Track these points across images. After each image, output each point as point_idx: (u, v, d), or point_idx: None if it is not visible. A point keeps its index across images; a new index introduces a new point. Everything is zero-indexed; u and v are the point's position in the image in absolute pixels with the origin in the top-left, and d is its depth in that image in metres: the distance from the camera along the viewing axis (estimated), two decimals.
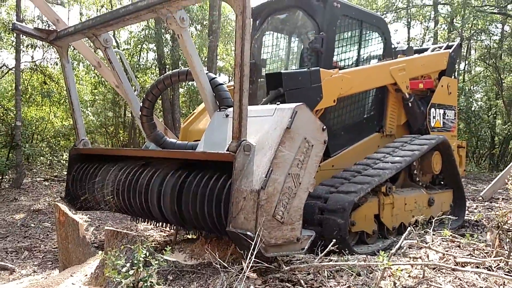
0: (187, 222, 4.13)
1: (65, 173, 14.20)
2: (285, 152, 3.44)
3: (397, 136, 6.88)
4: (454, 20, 20.18)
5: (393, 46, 7.34)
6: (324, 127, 3.73)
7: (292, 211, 3.49)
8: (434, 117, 7.18)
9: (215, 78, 4.77)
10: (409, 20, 22.95)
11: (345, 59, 6.44)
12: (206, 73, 4.70)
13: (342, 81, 5.65)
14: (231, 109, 4.04)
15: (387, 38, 6.93)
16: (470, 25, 19.00)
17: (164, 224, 4.64)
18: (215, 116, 4.50)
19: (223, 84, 4.78)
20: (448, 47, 7.99)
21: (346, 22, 6.34)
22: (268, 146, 3.45)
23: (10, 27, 14.80)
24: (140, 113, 5.31)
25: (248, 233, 3.24)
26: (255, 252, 3.13)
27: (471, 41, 21.25)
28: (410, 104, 6.78)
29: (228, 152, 3.47)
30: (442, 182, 7.02)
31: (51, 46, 15.82)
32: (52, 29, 5.40)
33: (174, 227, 4.71)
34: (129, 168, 4.78)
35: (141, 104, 5.32)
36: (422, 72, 7.18)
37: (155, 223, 4.80)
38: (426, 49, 8.30)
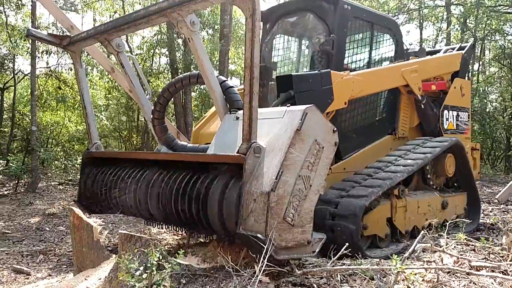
0: (200, 225, 4.14)
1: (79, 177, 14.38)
2: (296, 154, 3.43)
3: (410, 138, 6.82)
4: (467, 21, 19.97)
5: (405, 48, 7.29)
6: (335, 129, 3.70)
7: (303, 213, 3.48)
8: (447, 119, 7.11)
9: (225, 81, 4.77)
10: (421, 21, 22.75)
11: (356, 61, 6.41)
12: (217, 76, 4.70)
13: (353, 83, 5.63)
14: (241, 111, 4.05)
15: (398, 40, 6.88)
16: (483, 25, 18.78)
17: (177, 228, 4.65)
18: (225, 118, 4.50)
19: (233, 87, 4.78)
20: (461, 48, 7.91)
21: (357, 24, 6.32)
22: (278, 148, 3.44)
23: (26, 33, 15.07)
24: (151, 116, 5.34)
25: (259, 235, 3.23)
26: (267, 255, 3.13)
27: (485, 42, 21.00)
28: (422, 106, 6.72)
29: (238, 154, 3.47)
30: (456, 185, 6.94)
31: (65, 52, 16.11)
32: (65, 35, 5.47)
33: (187, 231, 4.74)
34: (141, 171, 4.82)
35: (152, 107, 5.39)
36: (435, 74, 7.10)
37: (168, 227, 4.83)
38: (438, 51, 8.23)
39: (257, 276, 3.10)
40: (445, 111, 7.06)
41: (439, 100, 7.09)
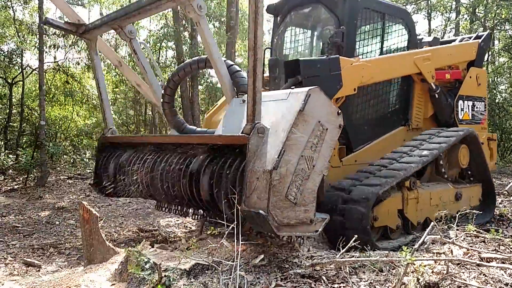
0: (206, 205, 4.31)
1: (88, 171, 14.47)
2: (298, 134, 3.50)
3: (424, 129, 6.74)
4: (477, 10, 19.72)
5: (418, 38, 7.18)
6: (339, 111, 3.75)
7: (306, 192, 3.55)
8: (462, 109, 7.01)
9: (233, 65, 4.88)
10: (429, 11, 22.50)
11: (367, 53, 6.35)
12: (224, 60, 4.81)
13: (363, 69, 5.60)
14: None
15: (411, 30, 6.80)
16: (493, 15, 18.52)
17: (187, 210, 4.83)
18: (232, 102, 4.63)
19: (240, 70, 4.89)
20: (477, 37, 7.76)
21: (368, 15, 6.26)
22: (281, 128, 3.52)
23: (33, 27, 15.12)
24: (162, 100, 5.50)
25: (261, 211, 3.33)
26: (268, 228, 3.27)
27: (495, 31, 20.71)
28: (437, 95, 6.63)
29: (242, 134, 3.57)
30: (471, 176, 6.79)
31: (73, 46, 16.17)
32: (81, 23, 5.65)
33: (199, 218, 4.88)
34: (151, 155, 5.04)
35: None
36: (449, 62, 7.01)
37: (177, 209, 5.01)
38: (453, 41, 8.08)
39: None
40: (460, 101, 6.98)
41: (454, 90, 7.00)
